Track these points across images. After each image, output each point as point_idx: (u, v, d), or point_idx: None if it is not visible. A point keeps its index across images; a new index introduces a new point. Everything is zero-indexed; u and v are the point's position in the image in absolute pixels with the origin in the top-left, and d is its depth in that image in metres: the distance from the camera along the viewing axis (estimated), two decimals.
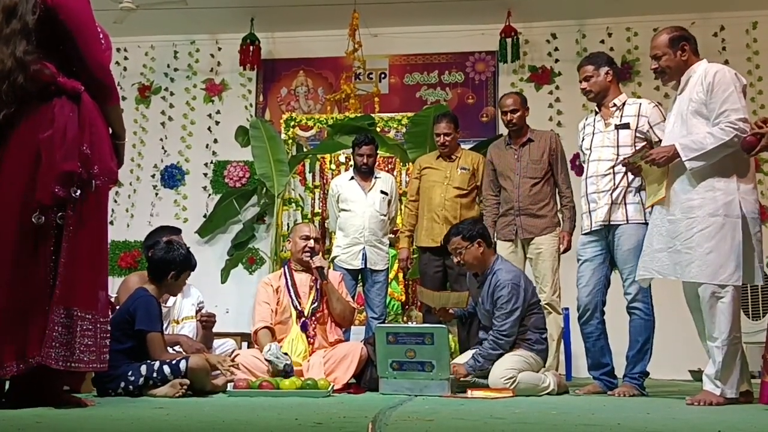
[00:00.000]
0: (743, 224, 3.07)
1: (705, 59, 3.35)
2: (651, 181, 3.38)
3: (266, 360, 3.59)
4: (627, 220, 3.75)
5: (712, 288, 3.05)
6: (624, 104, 3.91)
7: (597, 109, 4.02)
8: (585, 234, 3.94)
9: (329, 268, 4.59)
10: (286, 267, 4.24)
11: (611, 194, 3.80)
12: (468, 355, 3.90)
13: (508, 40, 7.20)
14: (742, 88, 3.17)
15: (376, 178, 5.21)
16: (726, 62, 6.87)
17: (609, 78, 3.95)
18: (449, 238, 4.05)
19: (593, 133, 3.96)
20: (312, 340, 3.98)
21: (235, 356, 3.63)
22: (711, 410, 2.84)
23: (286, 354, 3.68)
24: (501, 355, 3.76)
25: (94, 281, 2.60)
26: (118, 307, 3.59)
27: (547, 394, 3.75)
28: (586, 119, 4.11)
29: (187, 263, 3.50)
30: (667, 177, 3.27)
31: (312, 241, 4.16)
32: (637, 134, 3.79)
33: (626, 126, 3.81)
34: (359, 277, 5.15)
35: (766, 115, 4.18)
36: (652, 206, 3.39)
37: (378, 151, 5.38)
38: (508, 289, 3.81)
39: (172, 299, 4.03)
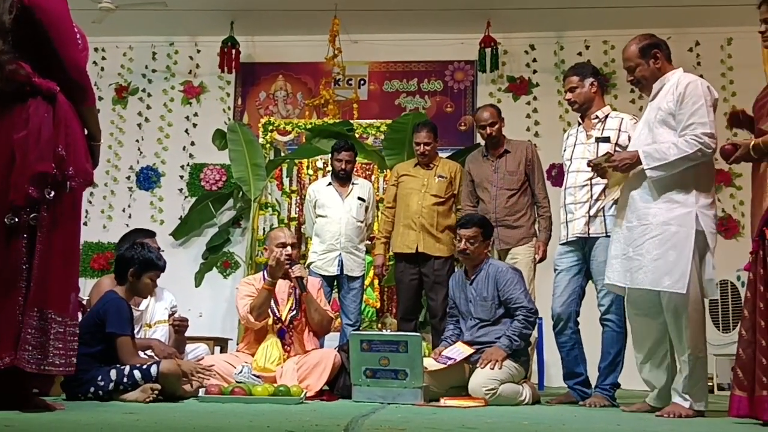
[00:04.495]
0: (700, 238, 3.07)
1: (681, 68, 3.33)
2: (612, 184, 3.41)
3: (237, 382, 3.54)
4: (605, 233, 3.74)
5: (677, 301, 3.05)
6: (607, 117, 3.93)
7: (580, 120, 4.04)
8: (562, 244, 3.96)
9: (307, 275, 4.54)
10: (265, 271, 4.20)
11: (588, 206, 3.82)
12: (431, 361, 3.87)
13: (488, 50, 7.27)
14: (712, 102, 3.16)
15: (353, 184, 5.21)
16: (701, 77, 6.97)
17: (594, 89, 3.96)
18: (471, 223, 4.06)
19: (575, 144, 3.97)
20: (288, 348, 3.95)
21: (203, 361, 3.59)
22: (681, 422, 2.87)
23: (257, 376, 3.65)
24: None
25: (66, 283, 2.57)
26: (89, 310, 3.55)
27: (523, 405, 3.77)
28: (570, 130, 4.13)
29: (148, 264, 3.42)
30: (626, 180, 3.29)
31: (289, 247, 4.11)
32: (617, 148, 3.75)
33: (607, 140, 3.82)
34: (335, 284, 5.14)
35: (739, 131, 4.28)
36: (610, 207, 3.42)
37: (357, 158, 5.38)
38: (512, 272, 3.99)
39: (144, 303, 3.98)
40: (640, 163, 3.15)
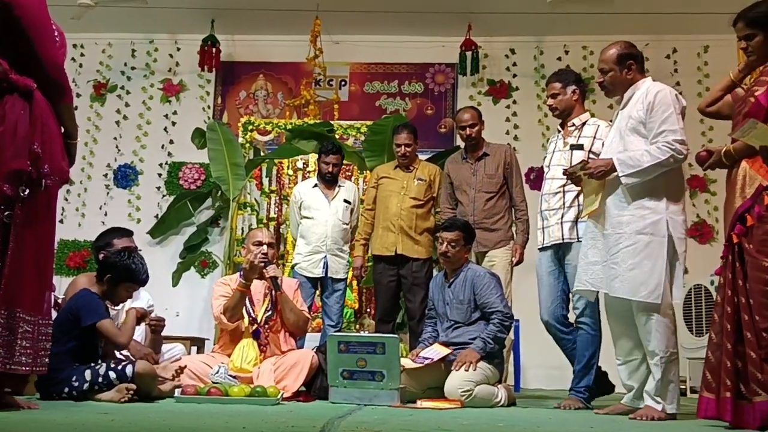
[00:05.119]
0: (669, 244, 3.12)
1: (650, 77, 3.39)
2: (588, 192, 3.43)
3: (213, 383, 3.52)
4: (578, 238, 3.77)
5: (645, 305, 3.10)
6: (584, 124, 3.96)
7: (560, 128, 4.07)
8: (540, 249, 4.01)
9: (284, 275, 4.53)
10: (241, 272, 4.19)
11: (561, 213, 3.87)
12: (408, 361, 3.90)
13: (468, 53, 7.31)
14: (681, 110, 3.22)
15: (339, 186, 5.20)
16: (677, 84, 7.08)
17: (575, 97, 3.98)
18: (454, 227, 4.11)
19: (554, 151, 4.01)
20: (264, 349, 3.94)
21: (180, 362, 3.58)
22: (653, 425, 2.90)
23: (234, 377, 3.64)
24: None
25: (39, 282, 2.56)
26: (62, 308, 3.51)
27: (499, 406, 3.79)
28: (553, 136, 4.17)
29: (128, 273, 3.37)
30: (603, 189, 3.32)
31: (266, 246, 4.10)
32: (591, 156, 3.75)
33: (580, 147, 3.84)
34: (318, 285, 5.12)
35: (714, 136, 4.28)
36: (588, 217, 3.45)
37: (344, 160, 5.37)
38: (489, 276, 4.02)
39: None
40: (615, 170, 3.20)
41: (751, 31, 2.88)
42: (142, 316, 3.60)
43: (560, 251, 3.89)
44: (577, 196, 3.78)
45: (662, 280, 3.08)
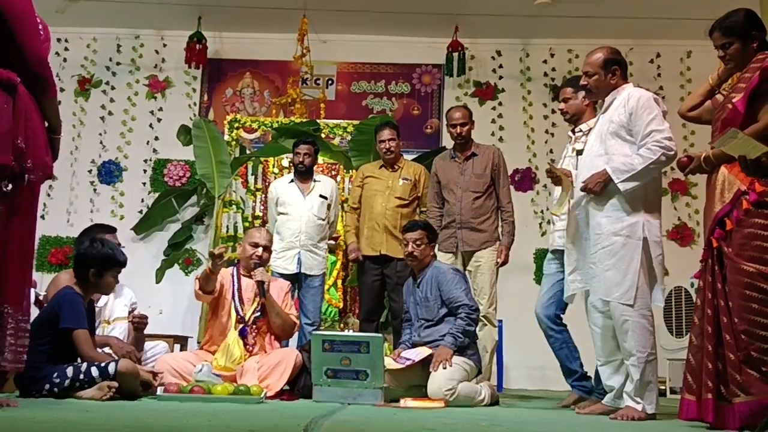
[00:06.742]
0: (645, 246, 3.17)
1: (631, 83, 3.45)
2: (565, 187, 3.50)
3: (196, 381, 3.49)
4: None
5: (622, 307, 3.14)
6: (591, 130, 4.00)
7: (570, 134, 4.13)
8: (550, 251, 4.11)
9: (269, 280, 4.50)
10: (234, 269, 4.17)
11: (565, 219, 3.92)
12: (389, 361, 3.90)
13: (455, 55, 7.32)
14: (661, 113, 3.27)
15: (315, 181, 5.18)
16: (660, 88, 7.14)
17: (586, 102, 4.05)
18: (416, 227, 4.16)
19: (565, 157, 4.09)
20: (250, 349, 3.93)
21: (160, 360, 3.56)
22: (634, 425, 2.93)
23: (217, 375, 3.62)
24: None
25: (22, 278, 2.54)
26: (45, 306, 3.49)
27: (482, 405, 3.81)
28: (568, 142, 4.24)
29: (109, 261, 3.35)
30: (571, 187, 3.41)
31: (261, 249, 4.08)
32: None
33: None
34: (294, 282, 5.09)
35: (695, 140, 4.27)
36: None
37: (318, 154, 5.36)
38: (452, 272, 4.07)
39: (103, 299, 3.93)
40: (611, 180, 3.21)
41: (727, 40, 2.92)
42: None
43: (563, 256, 3.94)
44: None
45: (636, 282, 3.12)
